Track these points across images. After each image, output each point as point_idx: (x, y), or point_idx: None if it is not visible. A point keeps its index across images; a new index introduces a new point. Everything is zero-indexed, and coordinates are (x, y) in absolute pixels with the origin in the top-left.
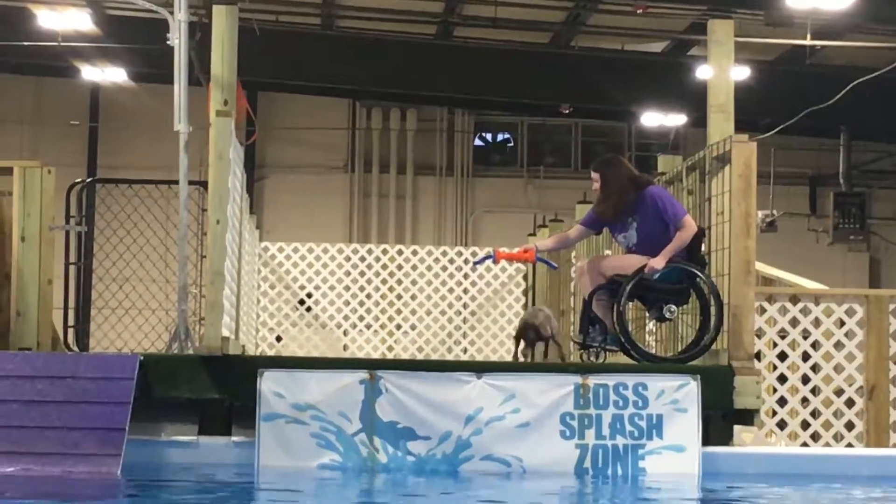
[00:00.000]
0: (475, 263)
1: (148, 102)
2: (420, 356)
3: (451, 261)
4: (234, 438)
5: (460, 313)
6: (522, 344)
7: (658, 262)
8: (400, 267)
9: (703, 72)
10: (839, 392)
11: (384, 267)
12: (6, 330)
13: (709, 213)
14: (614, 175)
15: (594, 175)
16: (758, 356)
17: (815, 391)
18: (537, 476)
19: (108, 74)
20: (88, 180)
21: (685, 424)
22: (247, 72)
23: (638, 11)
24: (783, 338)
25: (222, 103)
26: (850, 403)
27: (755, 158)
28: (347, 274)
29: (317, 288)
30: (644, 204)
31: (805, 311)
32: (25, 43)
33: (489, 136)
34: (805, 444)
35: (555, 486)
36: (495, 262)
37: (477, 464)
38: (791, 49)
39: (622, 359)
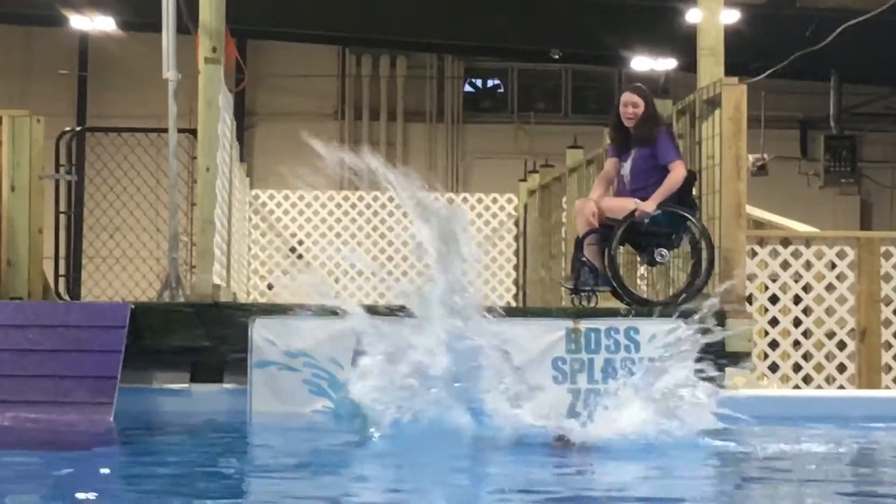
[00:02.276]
0: None
1: (137, 51)
2: None
3: None
4: (225, 386)
5: None
6: None
7: (648, 206)
8: (391, 214)
9: (692, 15)
10: (831, 334)
11: (375, 214)
12: None
13: (699, 157)
14: (653, 103)
15: (638, 100)
16: (749, 299)
17: (806, 334)
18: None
19: (97, 23)
20: (78, 129)
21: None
22: (235, 19)
23: None
24: (774, 281)
25: (211, 50)
26: (841, 346)
27: (745, 101)
28: (338, 221)
29: (308, 235)
30: (659, 139)
31: (796, 254)
32: None
33: (479, 83)
34: (797, 387)
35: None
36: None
37: None
38: None
39: (613, 303)
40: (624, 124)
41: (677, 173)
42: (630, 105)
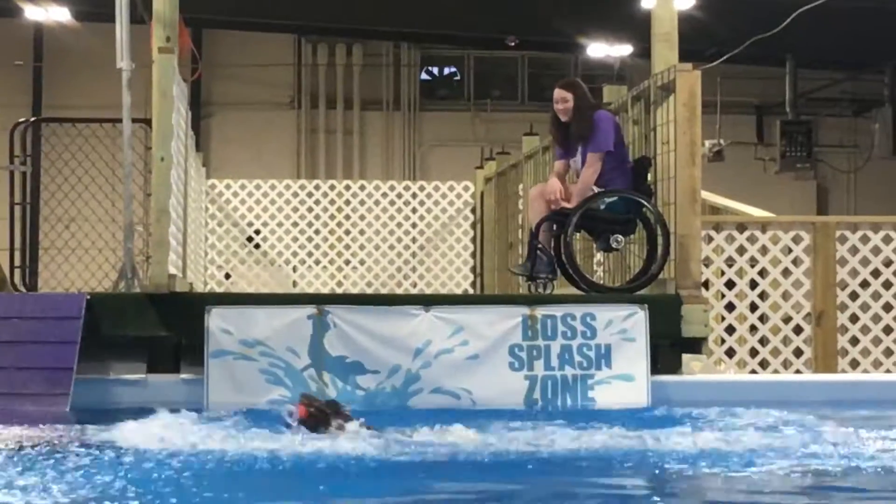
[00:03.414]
0: None
1: (92, 41)
2: (370, 291)
3: (399, 195)
4: (182, 376)
5: (409, 247)
6: None
7: (570, 205)
8: (348, 202)
9: (647, 1)
10: (787, 319)
11: (332, 202)
12: None
13: (654, 143)
14: (584, 95)
15: (566, 94)
16: (706, 285)
17: (763, 318)
18: (487, 408)
19: (52, 14)
20: (32, 120)
21: (634, 354)
22: (190, 8)
23: None
24: (731, 266)
25: (164, 40)
26: (798, 330)
27: (699, 87)
28: (295, 210)
29: (265, 225)
30: (594, 127)
31: (752, 239)
32: None
33: (435, 70)
34: (754, 372)
35: (505, 418)
36: None
37: (426, 397)
38: None
39: (570, 289)
40: (562, 120)
41: (591, 168)
42: (560, 101)
